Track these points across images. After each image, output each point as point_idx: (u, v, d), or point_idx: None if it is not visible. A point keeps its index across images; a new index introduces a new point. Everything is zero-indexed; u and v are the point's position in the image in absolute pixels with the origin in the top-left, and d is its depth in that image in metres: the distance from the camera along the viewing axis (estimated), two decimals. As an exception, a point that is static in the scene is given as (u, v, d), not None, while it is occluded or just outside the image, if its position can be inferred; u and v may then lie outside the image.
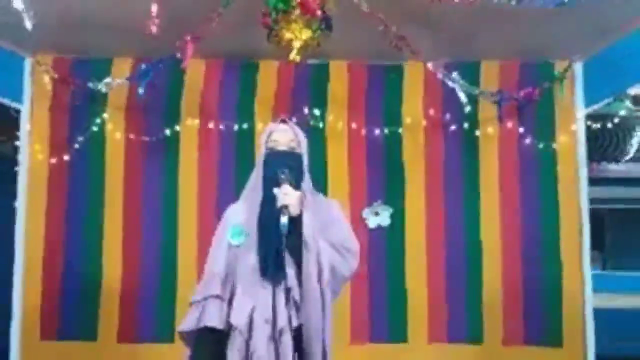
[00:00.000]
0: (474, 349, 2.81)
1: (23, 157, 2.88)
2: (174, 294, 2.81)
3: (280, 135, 1.74)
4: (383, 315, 2.83)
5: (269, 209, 1.64)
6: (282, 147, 1.72)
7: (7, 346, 2.78)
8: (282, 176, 1.63)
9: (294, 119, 2.66)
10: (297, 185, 1.65)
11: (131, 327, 2.80)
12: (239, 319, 1.60)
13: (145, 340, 2.79)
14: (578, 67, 2.89)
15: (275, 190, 1.62)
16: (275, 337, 1.58)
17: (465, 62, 2.84)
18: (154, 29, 1.97)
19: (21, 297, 2.81)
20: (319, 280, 1.61)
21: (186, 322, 1.67)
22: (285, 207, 1.59)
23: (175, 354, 2.70)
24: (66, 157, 2.87)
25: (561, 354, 2.78)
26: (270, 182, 1.66)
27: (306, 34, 2.08)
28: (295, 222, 1.60)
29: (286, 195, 1.60)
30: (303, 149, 1.76)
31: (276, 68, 2.91)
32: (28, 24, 1.94)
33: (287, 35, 2.08)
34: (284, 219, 1.58)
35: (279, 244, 1.60)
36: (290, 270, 1.61)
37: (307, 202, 1.68)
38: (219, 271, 1.69)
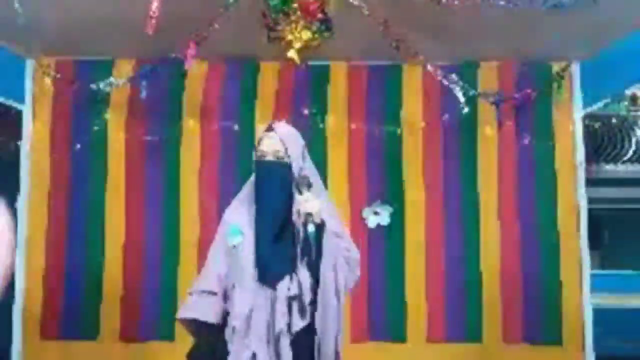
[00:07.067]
0: (473, 347, 2.82)
1: (25, 158, 2.89)
2: (175, 293, 2.81)
3: (266, 145, 1.71)
4: (382, 314, 2.84)
5: (265, 217, 1.67)
6: (269, 158, 1.70)
7: (9, 345, 2.79)
8: (302, 184, 1.62)
9: (292, 120, 2.69)
10: (291, 196, 1.66)
11: (132, 325, 2.81)
12: (237, 321, 1.62)
13: (147, 339, 2.80)
14: (576, 68, 2.90)
15: (297, 197, 1.62)
16: (272, 338, 1.59)
17: (463, 64, 2.87)
18: (151, 28, 1.98)
19: (22, 295, 2.83)
20: (336, 286, 1.63)
21: (181, 310, 1.77)
22: (310, 215, 1.58)
23: (177, 352, 2.71)
24: (68, 158, 2.89)
25: (560, 352, 2.80)
26: (262, 192, 1.69)
27: (306, 35, 2.09)
28: (318, 229, 1.60)
29: (307, 202, 1.59)
30: (293, 156, 1.70)
31: (277, 69, 2.93)
32: (21, 20, 1.95)
33: (287, 36, 2.10)
34: (311, 228, 1.57)
35: (275, 251, 1.62)
36: (304, 275, 1.62)
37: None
38: (218, 270, 1.73)
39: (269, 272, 1.63)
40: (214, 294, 1.70)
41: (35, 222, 2.87)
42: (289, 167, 1.69)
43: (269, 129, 1.75)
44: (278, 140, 1.71)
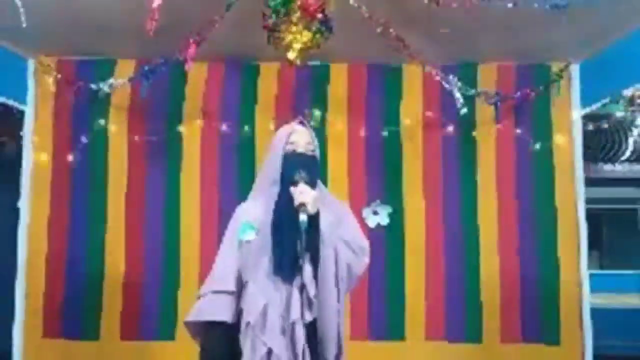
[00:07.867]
0: (472, 347, 2.82)
1: (26, 158, 2.90)
2: (177, 292, 2.83)
3: (299, 137, 1.78)
4: (382, 313, 2.85)
5: (284, 209, 1.66)
6: (300, 149, 1.76)
7: (10, 344, 2.80)
8: (299, 176, 1.66)
9: (292, 120, 2.70)
10: (312, 185, 1.68)
11: (134, 325, 2.81)
12: (252, 316, 1.61)
13: (148, 338, 2.81)
14: (575, 69, 2.91)
15: (292, 189, 1.64)
16: (288, 330, 1.60)
17: (462, 64, 2.88)
18: (152, 28, 1.99)
19: (24, 295, 2.83)
20: (336, 276, 1.64)
21: (195, 313, 1.70)
22: (303, 205, 1.60)
23: (178, 352, 2.75)
24: (69, 158, 2.89)
25: (559, 352, 2.80)
26: (289, 182, 1.68)
27: (306, 36, 2.10)
28: (313, 220, 1.62)
29: (302, 193, 1.62)
30: (317, 150, 1.83)
31: (277, 70, 2.94)
32: (23, 21, 1.96)
33: (288, 37, 2.11)
34: (303, 217, 1.58)
35: (295, 242, 1.60)
36: (307, 267, 1.62)
37: (322, 201, 1.70)
38: (232, 268, 1.71)
39: (286, 264, 1.63)
40: (231, 293, 1.69)
41: (36, 222, 2.87)
42: (316, 159, 1.81)
43: (300, 123, 1.83)
44: (309, 134, 1.81)
